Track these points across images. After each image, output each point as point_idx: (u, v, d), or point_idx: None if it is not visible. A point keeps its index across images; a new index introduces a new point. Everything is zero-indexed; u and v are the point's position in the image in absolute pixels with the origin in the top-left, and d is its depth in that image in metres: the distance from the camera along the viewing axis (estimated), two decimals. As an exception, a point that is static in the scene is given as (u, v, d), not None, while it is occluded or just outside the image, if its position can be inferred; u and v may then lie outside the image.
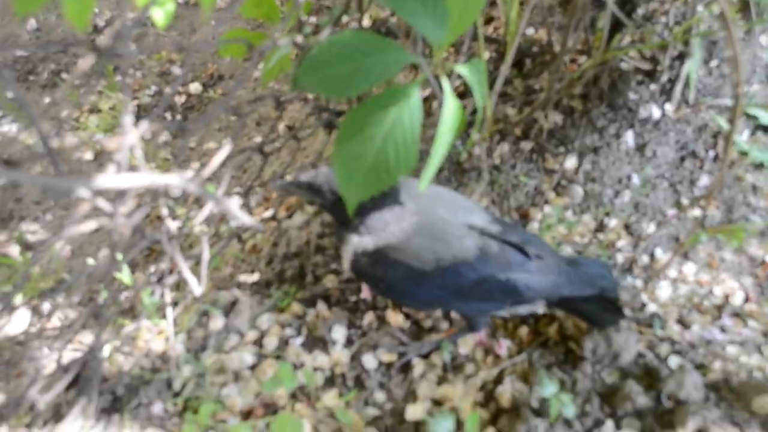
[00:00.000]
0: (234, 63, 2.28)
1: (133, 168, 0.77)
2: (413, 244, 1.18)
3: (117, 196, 0.80)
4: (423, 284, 1.19)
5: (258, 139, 1.95)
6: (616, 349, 1.26)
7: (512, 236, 1.22)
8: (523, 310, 1.30)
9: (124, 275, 1.43)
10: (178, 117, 2.15)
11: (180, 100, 2.19)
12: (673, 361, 1.28)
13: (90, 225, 0.77)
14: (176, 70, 2.29)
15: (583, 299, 1.27)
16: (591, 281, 1.27)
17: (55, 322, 1.50)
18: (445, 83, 0.92)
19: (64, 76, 2.30)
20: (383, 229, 1.18)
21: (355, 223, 1.19)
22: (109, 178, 0.66)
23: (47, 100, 2.22)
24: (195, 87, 2.21)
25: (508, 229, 1.24)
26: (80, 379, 1.29)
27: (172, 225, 1.11)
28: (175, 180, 0.77)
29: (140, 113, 2.14)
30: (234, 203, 0.92)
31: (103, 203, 0.73)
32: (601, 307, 1.29)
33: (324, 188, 1.18)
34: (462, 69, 0.94)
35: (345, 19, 1.64)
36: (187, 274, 1.14)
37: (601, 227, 1.57)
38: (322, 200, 1.20)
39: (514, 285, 1.20)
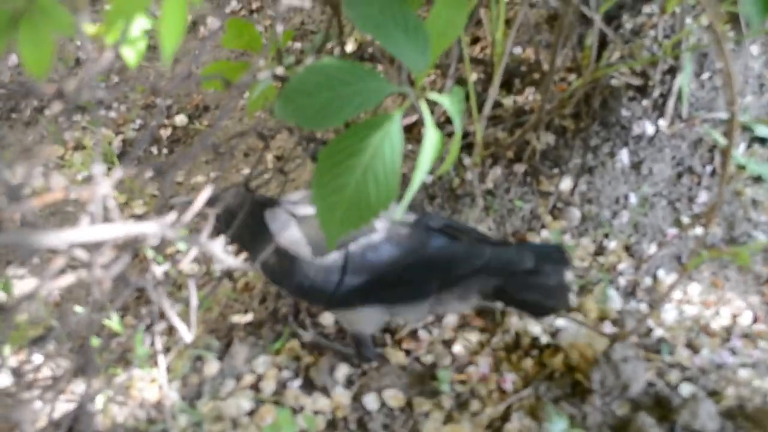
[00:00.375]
0: (220, 93, 2.24)
1: (108, 218, 0.74)
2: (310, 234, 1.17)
3: (94, 246, 0.76)
4: (332, 276, 1.17)
5: (246, 170, 1.91)
6: (624, 380, 1.22)
7: (433, 222, 1.20)
8: (453, 307, 1.28)
9: (113, 322, 1.39)
10: (164, 151, 2.11)
11: (165, 133, 2.14)
12: (685, 388, 1.24)
13: (68, 279, 0.73)
14: (161, 102, 2.25)
15: (521, 286, 1.23)
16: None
17: (46, 371, 1.46)
18: (426, 113, 0.89)
19: (47, 112, 2.26)
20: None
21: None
22: (81, 232, 0.62)
23: (30, 138, 2.18)
24: (180, 119, 2.17)
25: (426, 217, 1.22)
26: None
27: (158, 270, 1.08)
28: (152, 228, 0.73)
29: (125, 148, 2.10)
30: (218, 245, 0.88)
31: (80, 253, 0.69)
32: (544, 293, 1.25)
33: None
34: (441, 99, 0.91)
35: (331, 44, 1.61)
36: (176, 321, 1.10)
37: (600, 250, 1.53)
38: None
39: (436, 258, 1.17)
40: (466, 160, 1.60)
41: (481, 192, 1.57)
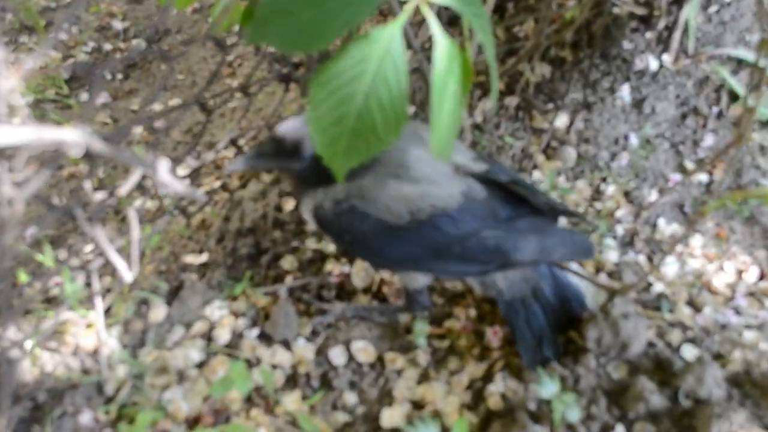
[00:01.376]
0: (181, 16, 2.06)
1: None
2: (385, 192, 1.01)
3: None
4: (395, 241, 1.03)
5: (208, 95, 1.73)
6: (623, 339, 1.08)
7: (500, 175, 1.06)
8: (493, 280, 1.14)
9: (46, 256, 1.22)
10: (119, 76, 1.92)
11: (120, 57, 1.96)
12: (687, 350, 1.11)
13: None
14: (117, 24, 2.06)
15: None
16: (583, 246, 1.11)
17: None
18: (431, 17, 0.73)
19: (-9, 31, 2.07)
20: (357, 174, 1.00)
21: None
22: None
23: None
24: (137, 42, 1.99)
25: (495, 167, 1.08)
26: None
27: (94, 195, 0.91)
28: (75, 136, 0.57)
29: (75, 72, 1.91)
30: (163, 166, 0.72)
31: None
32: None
33: (299, 148, 1.02)
34: (450, 1, 0.74)
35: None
36: (114, 257, 0.94)
37: (597, 194, 1.39)
38: (299, 165, 1.03)
39: (502, 246, 1.04)
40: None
41: (469, 126, 1.41)
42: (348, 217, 1.02)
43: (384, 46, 0.72)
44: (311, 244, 1.31)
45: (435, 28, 0.73)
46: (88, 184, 0.91)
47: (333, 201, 1.02)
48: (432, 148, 0.74)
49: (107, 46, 2.00)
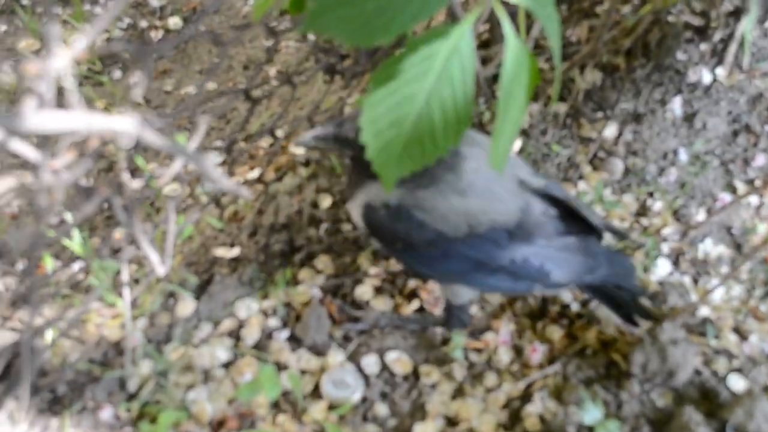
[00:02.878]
0: (220, -4, 2.01)
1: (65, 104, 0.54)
2: (446, 204, 0.96)
3: (43, 142, 0.56)
4: (449, 252, 0.99)
5: (245, 84, 1.69)
6: (671, 366, 1.03)
7: (556, 191, 1.02)
8: (548, 292, 1.11)
9: (75, 242, 1.18)
10: (154, 56, 1.88)
11: (157, 35, 1.91)
12: (734, 381, 1.06)
13: (6, 183, 0.53)
14: (154, 2, 2.02)
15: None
16: (628, 271, 1.08)
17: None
18: (504, 18, 0.68)
19: (25, 1, 2.02)
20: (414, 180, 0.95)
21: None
22: (23, 117, 0.44)
23: (3, 28, 1.94)
24: (174, 21, 1.94)
25: (551, 183, 1.04)
26: (11, 370, 1.05)
27: (132, 183, 0.87)
28: (127, 125, 0.53)
29: (111, 48, 1.87)
30: (210, 160, 0.67)
31: (27, 150, 0.49)
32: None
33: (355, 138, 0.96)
34: (524, 1, 0.70)
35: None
36: (148, 249, 0.90)
37: (644, 210, 1.34)
38: (353, 151, 1.00)
39: (545, 266, 1.00)
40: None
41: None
42: (404, 224, 0.97)
43: (453, 42, 0.67)
44: (347, 244, 1.26)
45: (508, 29, 0.68)
46: (125, 172, 0.87)
47: (385, 205, 0.98)
48: (491, 156, 0.70)
49: (143, 23, 1.96)
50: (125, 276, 1.04)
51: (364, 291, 1.19)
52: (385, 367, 1.11)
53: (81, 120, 0.50)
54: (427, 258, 1.00)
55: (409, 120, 0.68)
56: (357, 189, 1.02)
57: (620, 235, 1.12)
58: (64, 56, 0.52)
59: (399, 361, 1.11)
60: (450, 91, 0.67)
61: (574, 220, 1.02)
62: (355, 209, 1.03)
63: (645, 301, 1.14)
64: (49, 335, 1.10)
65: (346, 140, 0.99)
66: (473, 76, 0.67)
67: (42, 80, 0.51)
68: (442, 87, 0.67)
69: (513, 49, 0.68)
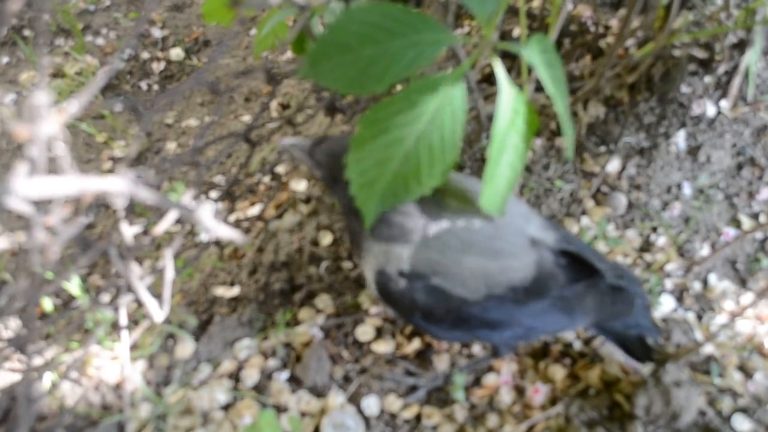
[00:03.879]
0: (223, 28, 2.01)
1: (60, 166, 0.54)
2: (463, 267, 0.93)
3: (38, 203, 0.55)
4: (467, 315, 0.96)
5: (246, 117, 1.68)
6: (675, 408, 1.01)
7: (568, 243, 1.00)
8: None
9: (73, 285, 1.18)
10: (155, 87, 1.88)
11: (158, 67, 1.91)
12: (739, 421, 1.05)
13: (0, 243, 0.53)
14: (156, 33, 2.02)
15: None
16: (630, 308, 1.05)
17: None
18: (499, 68, 0.68)
19: (26, 32, 2.03)
20: (415, 234, 0.92)
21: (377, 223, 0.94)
22: (17, 185, 0.45)
23: (5, 60, 1.95)
24: (176, 53, 1.94)
25: (561, 233, 1.01)
26: (9, 414, 1.04)
27: (129, 231, 0.87)
28: (120, 185, 0.53)
29: (112, 80, 1.87)
30: (206, 211, 0.66)
31: (24, 208, 0.49)
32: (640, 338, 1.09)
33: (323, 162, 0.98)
34: (524, 50, 0.69)
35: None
36: (145, 297, 0.89)
37: (647, 245, 1.32)
38: (321, 173, 1.00)
39: (562, 317, 0.98)
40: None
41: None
42: (420, 293, 0.94)
43: (445, 92, 0.67)
44: (348, 283, 1.25)
45: (502, 77, 0.68)
46: (123, 221, 0.86)
47: (400, 273, 0.94)
48: (484, 200, 0.69)
49: (145, 55, 1.96)
50: (123, 320, 1.04)
51: (365, 331, 1.18)
52: (385, 409, 1.09)
53: (73, 184, 0.50)
54: (447, 323, 0.97)
55: (396, 160, 0.69)
56: (364, 246, 0.99)
57: (634, 281, 1.10)
58: (55, 120, 0.52)
59: (400, 403, 1.09)
60: (439, 136, 0.67)
61: (581, 265, 1.00)
62: (368, 272, 1.00)
63: (652, 340, 1.12)
64: (48, 378, 1.09)
65: (317, 162, 0.99)
66: (463, 124, 0.67)
67: (33, 145, 0.51)
68: (432, 132, 0.67)
69: (507, 97, 0.67)
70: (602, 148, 1.42)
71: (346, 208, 0.97)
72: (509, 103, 0.66)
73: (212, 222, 0.67)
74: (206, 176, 1.51)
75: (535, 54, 0.69)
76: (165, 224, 0.86)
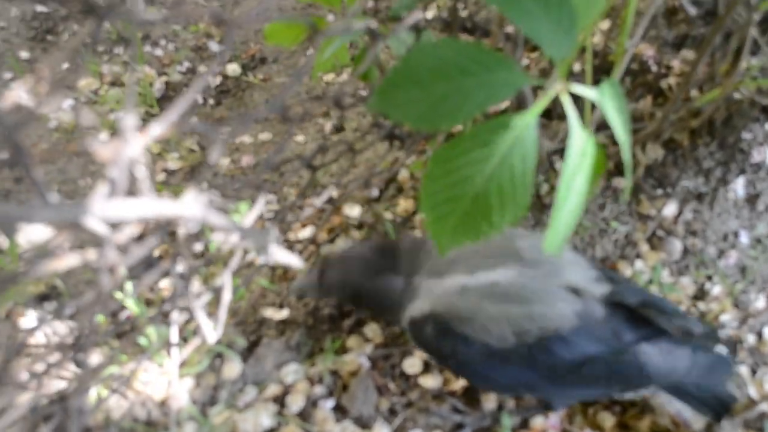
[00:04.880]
0: (279, 46, 2.02)
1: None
2: (483, 312, 0.91)
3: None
4: (502, 365, 0.93)
5: (300, 137, 1.68)
6: (727, 466, 0.99)
7: (628, 297, 0.95)
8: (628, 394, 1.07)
9: (129, 301, 1.18)
10: (211, 102, 1.89)
11: (215, 81, 1.92)
12: (791, 481, 1.02)
13: (71, 260, 0.52)
14: (213, 46, 2.03)
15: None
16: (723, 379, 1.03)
17: (40, 338, 1.25)
18: (572, 111, 0.67)
19: (87, 40, 2.05)
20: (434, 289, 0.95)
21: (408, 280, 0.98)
22: (96, 207, 0.44)
23: (66, 65, 1.96)
24: (233, 68, 1.95)
25: (621, 287, 0.97)
26: (56, 424, 1.04)
27: (188, 256, 0.86)
28: (194, 210, 0.53)
29: (168, 92, 1.88)
30: (273, 237, 0.66)
31: (97, 226, 0.49)
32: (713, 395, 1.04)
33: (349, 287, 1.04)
34: (594, 93, 0.68)
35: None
36: (201, 318, 0.89)
37: (701, 293, 1.30)
38: (338, 297, 1.10)
39: (627, 372, 0.94)
40: (559, 164, 1.37)
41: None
42: (447, 339, 0.93)
43: (517, 132, 0.66)
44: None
45: (573, 121, 0.67)
46: (185, 243, 0.86)
47: (425, 317, 0.95)
48: (546, 242, 0.68)
49: (202, 68, 1.97)
50: (174, 338, 1.04)
51: (412, 363, 1.17)
52: (430, 445, 1.08)
53: (151, 208, 0.50)
54: (481, 373, 0.96)
55: (466, 199, 0.68)
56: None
57: (714, 339, 1.06)
58: (138, 143, 0.52)
59: (446, 441, 1.08)
60: (509, 178, 0.66)
61: (649, 324, 0.96)
62: (404, 323, 1.02)
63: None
64: (95, 390, 1.09)
65: (328, 289, 1.04)
66: (534, 167, 0.66)
67: (114, 166, 0.51)
68: (503, 173, 0.66)
69: (578, 141, 0.66)
70: (659, 191, 1.40)
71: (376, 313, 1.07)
72: (579, 145, 0.65)
73: (277, 248, 0.67)
74: (254, 193, 1.50)
75: (606, 99, 0.68)
76: (229, 244, 0.86)
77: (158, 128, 0.58)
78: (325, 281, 1.03)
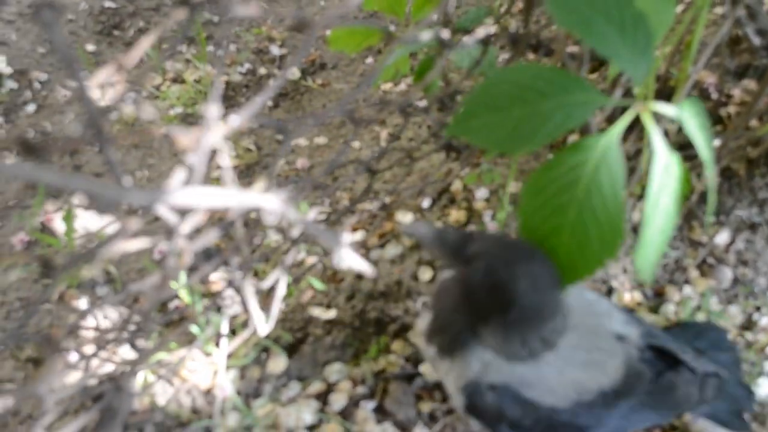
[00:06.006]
0: (339, 52, 2.05)
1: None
2: (554, 376, 0.88)
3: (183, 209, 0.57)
4: (557, 424, 0.91)
5: (356, 143, 1.70)
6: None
7: (656, 338, 0.95)
8: None
9: (182, 290, 1.20)
10: (269, 103, 1.92)
11: (273, 84, 1.95)
12: None
13: (140, 243, 0.54)
14: (274, 50, 2.06)
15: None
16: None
17: (90, 321, 1.28)
18: (653, 130, 0.68)
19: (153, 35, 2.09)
20: (536, 352, 0.86)
21: (495, 331, 0.85)
22: (177, 193, 0.45)
23: (137, 61, 2.00)
24: (292, 72, 1.98)
25: (647, 328, 0.97)
26: (103, 404, 1.06)
27: (248, 243, 0.88)
28: (272, 203, 0.54)
29: (228, 92, 1.92)
30: (347, 240, 0.68)
31: (166, 213, 0.50)
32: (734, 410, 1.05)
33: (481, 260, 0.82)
34: (676, 113, 0.69)
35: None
36: (254, 310, 0.91)
37: (749, 324, 1.29)
38: (472, 276, 0.83)
39: (653, 416, 0.95)
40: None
41: (627, 229, 1.34)
42: (510, 406, 0.89)
43: (599, 153, 0.67)
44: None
45: (657, 139, 0.68)
46: (243, 236, 0.88)
47: (491, 387, 0.88)
48: (637, 265, 0.68)
49: (262, 70, 2.00)
50: (225, 329, 1.06)
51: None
52: (468, 453, 1.09)
53: (233, 197, 0.51)
54: None
55: (564, 232, 0.68)
56: (457, 350, 0.90)
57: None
58: (219, 132, 0.53)
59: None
60: (600, 200, 0.66)
61: (666, 357, 0.95)
62: (451, 382, 0.93)
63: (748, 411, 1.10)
64: (142, 375, 1.12)
65: (451, 250, 0.85)
66: (622, 188, 0.66)
67: (194, 154, 0.53)
68: (592, 197, 0.66)
69: (662, 159, 0.67)
70: (712, 219, 1.40)
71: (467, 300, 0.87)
72: (663, 166, 0.65)
73: (347, 251, 0.69)
74: (311, 198, 1.53)
75: (689, 117, 0.69)
76: (289, 239, 0.87)
77: (237, 119, 0.60)
78: (456, 245, 0.90)
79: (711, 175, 0.68)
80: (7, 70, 1.93)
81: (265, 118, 0.75)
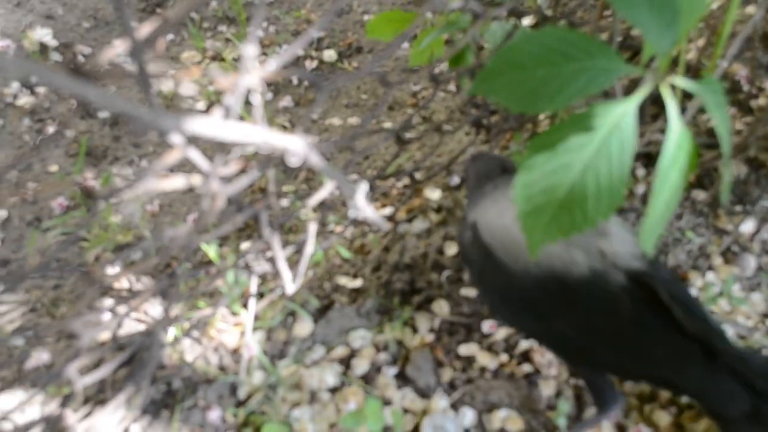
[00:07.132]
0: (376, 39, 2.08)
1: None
2: (505, 226, 0.95)
3: (217, 150, 0.60)
4: (512, 293, 0.94)
5: (388, 124, 1.73)
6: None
7: (660, 284, 0.89)
8: None
9: (210, 249, 1.24)
10: (305, 83, 1.95)
11: (311, 65, 1.99)
12: None
13: (176, 182, 0.57)
14: (313, 33, 2.09)
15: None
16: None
17: (124, 283, 1.32)
18: (671, 102, 0.69)
19: (193, 15, 2.14)
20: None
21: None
22: (210, 123, 0.49)
23: (170, 37, 2.06)
24: (329, 54, 2.01)
25: (659, 274, 0.92)
26: (134, 359, 1.10)
27: (277, 203, 0.92)
28: (297, 144, 0.57)
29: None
30: (362, 191, 0.71)
31: (198, 157, 0.54)
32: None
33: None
34: (695, 87, 0.70)
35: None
36: (283, 267, 0.94)
37: (771, 312, 1.30)
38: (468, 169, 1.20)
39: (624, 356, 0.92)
40: (640, 170, 1.39)
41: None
42: (476, 246, 0.99)
43: (615, 119, 0.68)
44: (466, 292, 1.27)
45: (673, 112, 0.69)
46: (273, 191, 0.91)
47: (470, 225, 1.03)
48: (641, 238, 0.70)
49: (299, 52, 2.04)
50: (253, 288, 1.09)
51: (477, 343, 1.20)
52: (481, 420, 1.11)
53: (260, 134, 0.54)
54: (496, 298, 0.98)
55: (562, 189, 0.69)
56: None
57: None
58: (257, 74, 0.56)
59: (509, 419, 1.10)
60: (607, 166, 0.67)
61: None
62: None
63: None
64: (172, 332, 1.15)
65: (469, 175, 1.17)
66: (632, 155, 0.68)
67: (232, 94, 0.56)
68: (600, 161, 0.67)
69: (675, 133, 0.68)
70: (738, 208, 1.41)
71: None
72: (675, 140, 0.67)
73: (364, 202, 0.71)
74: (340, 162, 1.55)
75: (708, 93, 0.70)
76: (319, 196, 0.90)
77: (273, 64, 0.63)
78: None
79: (726, 149, 0.69)
80: (53, 42, 1.98)
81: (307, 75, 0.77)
